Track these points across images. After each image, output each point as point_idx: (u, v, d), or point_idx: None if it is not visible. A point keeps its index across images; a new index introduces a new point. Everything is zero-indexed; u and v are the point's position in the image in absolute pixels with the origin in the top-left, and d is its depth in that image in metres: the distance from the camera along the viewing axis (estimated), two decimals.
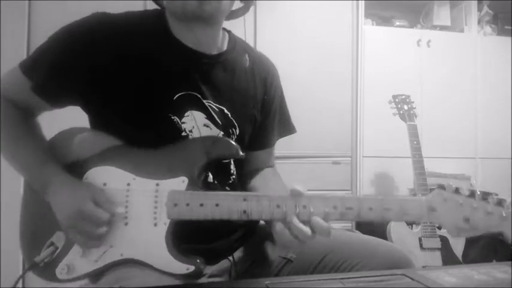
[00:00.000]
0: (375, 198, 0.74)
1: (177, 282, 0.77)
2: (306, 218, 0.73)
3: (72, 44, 0.84)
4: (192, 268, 0.76)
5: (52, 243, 0.80)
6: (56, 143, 0.89)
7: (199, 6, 0.82)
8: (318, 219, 0.73)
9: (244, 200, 0.76)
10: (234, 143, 0.84)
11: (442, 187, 0.74)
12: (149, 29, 0.88)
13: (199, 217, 0.77)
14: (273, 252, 0.95)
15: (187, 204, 0.77)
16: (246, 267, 0.95)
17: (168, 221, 0.78)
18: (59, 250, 0.80)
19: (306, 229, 0.72)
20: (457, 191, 0.72)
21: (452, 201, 0.72)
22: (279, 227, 0.75)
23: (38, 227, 0.85)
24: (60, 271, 0.79)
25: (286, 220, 0.74)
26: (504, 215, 0.70)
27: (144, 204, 0.80)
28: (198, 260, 0.77)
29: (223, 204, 0.76)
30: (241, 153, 0.86)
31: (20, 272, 2.03)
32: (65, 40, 0.85)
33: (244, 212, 0.75)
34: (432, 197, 0.73)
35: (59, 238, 0.81)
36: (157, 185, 0.80)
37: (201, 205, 0.77)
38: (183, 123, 0.87)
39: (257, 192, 0.78)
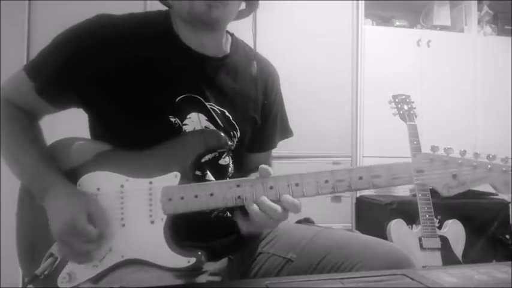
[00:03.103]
0: (363, 167, 0.76)
1: (178, 280, 0.77)
2: (300, 195, 0.75)
3: (75, 46, 0.85)
4: (193, 260, 0.76)
5: (51, 254, 0.80)
6: (52, 154, 0.89)
7: (207, 12, 0.83)
8: (286, 196, 0.74)
9: (238, 186, 0.77)
10: (222, 134, 0.84)
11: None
12: (153, 31, 0.89)
13: (194, 209, 0.77)
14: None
15: (182, 198, 0.78)
16: (245, 268, 0.95)
17: (164, 217, 0.78)
18: (58, 260, 0.79)
19: (277, 206, 0.74)
20: (445, 151, 0.75)
21: (438, 160, 0.74)
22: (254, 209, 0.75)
23: (35, 240, 0.85)
24: (62, 280, 0.79)
25: (258, 201, 0.75)
26: (489, 166, 0.73)
27: (139, 203, 0.80)
28: (199, 253, 0.77)
29: (218, 193, 0.77)
30: (230, 143, 0.88)
31: (20, 275, 2.04)
32: (68, 42, 0.86)
33: (239, 197, 0.76)
34: (419, 159, 0.75)
35: (57, 249, 0.80)
36: (150, 183, 0.80)
37: (196, 196, 0.77)
38: (185, 125, 0.88)
39: (249, 178, 0.78)
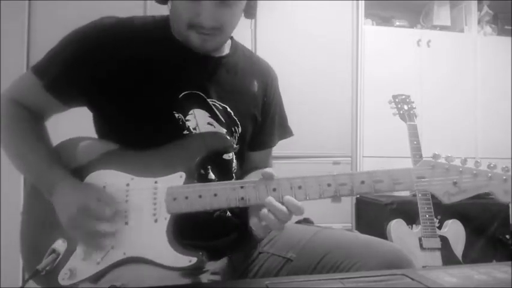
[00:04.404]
0: (365, 172, 0.77)
1: (178, 280, 0.77)
2: (303, 198, 0.76)
3: (81, 47, 0.87)
4: (194, 260, 0.77)
5: (54, 251, 0.80)
6: (58, 152, 0.90)
7: (202, 44, 0.86)
8: (289, 198, 0.75)
9: (242, 187, 0.77)
10: (228, 136, 0.86)
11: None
12: (155, 33, 0.91)
13: (198, 209, 0.78)
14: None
15: (186, 198, 0.78)
16: (245, 267, 0.95)
17: (168, 216, 0.79)
18: (60, 257, 0.80)
19: (282, 207, 0.74)
20: (446, 159, 0.76)
21: (439, 167, 0.76)
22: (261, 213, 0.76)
23: (39, 236, 0.86)
24: (63, 276, 0.79)
25: (265, 201, 0.75)
26: (490, 175, 0.74)
27: (143, 202, 0.80)
28: (200, 252, 0.78)
29: (221, 194, 0.77)
30: (235, 146, 0.90)
31: (20, 274, 2.04)
32: (74, 43, 0.88)
33: (242, 198, 0.77)
34: (420, 165, 0.77)
35: (60, 245, 0.81)
36: (155, 182, 0.81)
37: (200, 197, 0.78)
38: (187, 120, 0.89)
39: (253, 179, 0.79)
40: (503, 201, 0.75)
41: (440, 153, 0.77)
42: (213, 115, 0.92)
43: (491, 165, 0.75)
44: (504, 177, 0.74)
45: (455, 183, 0.75)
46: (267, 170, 0.78)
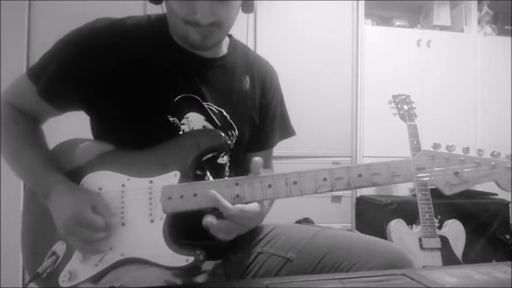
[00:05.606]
0: (362, 165, 0.75)
1: (177, 280, 0.77)
2: (298, 193, 0.75)
3: (76, 49, 0.86)
4: (191, 259, 0.77)
5: (54, 253, 0.81)
6: (55, 155, 0.91)
7: (202, 41, 0.84)
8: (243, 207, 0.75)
9: (237, 184, 0.77)
10: (222, 133, 0.85)
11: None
12: (151, 34, 0.90)
13: (194, 207, 0.78)
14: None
15: (181, 196, 0.78)
16: (245, 267, 0.95)
17: (164, 216, 0.79)
18: (60, 259, 0.80)
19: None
20: (447, 148, 0.73)
21: (439, 157, 0.73)
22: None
23: (39, 239, 0.87)
24: (63, 279, 0.80)
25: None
26: (493, 163, 0.70)
27: (139, 202, 0.81)
28: (197, 252, 0.78)
29: (216, 191, 0.77)
30: (229, 142, 0.89)
31: (20, 275, 2.04)
32: (68, 45, 0.87)
33: (237, 196, 0.76)
34: (419, 156, 0.74)
35: (60, 247, 0.81)
36: (151, 182, 0.81)
37: (195, 195, 0.78)
38: (183, 124, 0.89)
39: (248, 176, 0.78)
40: (508, 190, 0.70)
41: (440, 143, 0.74)
42: (209, 119, 0.91)
43: (495, 153, 0.71)
44: (508, 165, 0.70)
45: (456, 174, 0.72)
46: (256, 158, 0.77)
